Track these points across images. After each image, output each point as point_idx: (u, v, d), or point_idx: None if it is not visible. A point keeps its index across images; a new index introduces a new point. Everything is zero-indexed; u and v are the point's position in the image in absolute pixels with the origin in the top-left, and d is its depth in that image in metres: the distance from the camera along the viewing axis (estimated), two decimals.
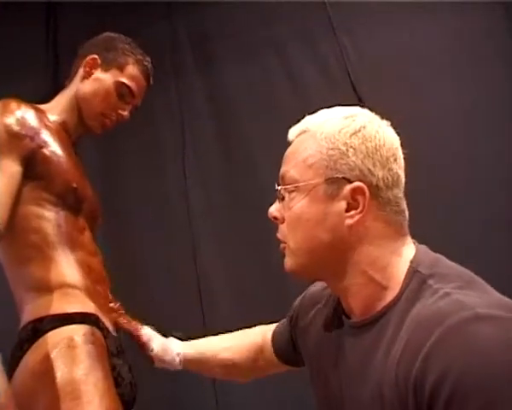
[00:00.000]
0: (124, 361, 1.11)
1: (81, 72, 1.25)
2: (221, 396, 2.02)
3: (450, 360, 0.62)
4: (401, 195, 0.80)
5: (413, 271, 0.75)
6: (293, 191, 0.81)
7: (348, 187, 0.77)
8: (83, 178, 1.21)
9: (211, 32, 2.40)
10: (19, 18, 2.59)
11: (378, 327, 0.76)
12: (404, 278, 0.75)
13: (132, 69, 1.25)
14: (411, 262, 0.76)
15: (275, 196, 0.88)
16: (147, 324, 1.24)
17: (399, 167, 0.80)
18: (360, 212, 0.76)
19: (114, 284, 1.30)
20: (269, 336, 1.14)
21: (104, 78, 1.24)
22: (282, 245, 0.85)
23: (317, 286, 1.02)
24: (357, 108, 0.84)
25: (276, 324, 1.15)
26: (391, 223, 0.78)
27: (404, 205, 0.80)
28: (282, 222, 0.84)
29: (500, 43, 2.10)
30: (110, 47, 1.25)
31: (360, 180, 0.76)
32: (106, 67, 1.24)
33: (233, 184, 2.21)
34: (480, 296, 0.68)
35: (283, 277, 2.00)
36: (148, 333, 1.20)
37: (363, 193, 0.76)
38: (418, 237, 0.84)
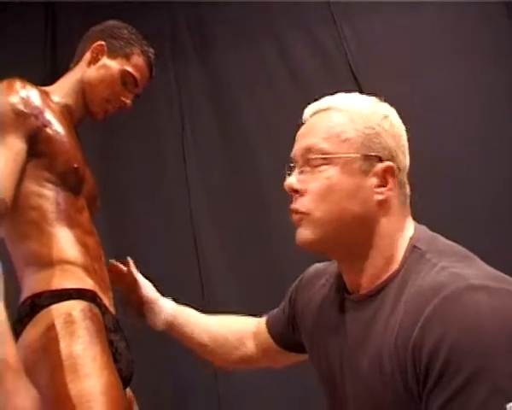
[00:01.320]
0: (121, 338, 1.12)
1: (87, 56, 1.27)
2: (222, 386, 2.03)
3: (445, 327, 0.65)
4: (406, 180, 0.87)
5: (412, 246, 0.80)
6: (322, 164, 0.83)
7: (380, 165, 0.82)
8: (83, 160, 1.22)
9: (209, 18, 2.41)
10: (17, 17, 2.59)
11: (378, 300, 0.80)
12: (404, 253, 0.80)
13: (138, 59, 1.28)
14: (411, 239, 0.82)
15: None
16: None
17: (407, 155, 0.88)
18: (389, 189, 0.82)
19: None
20: (261, 324, 1.16)
21: (110, 65, 1.26)
22: (298, 216, 0.85)
23: (314, 268, 1.06)
24: (375, 98, 0.89)
25: (268, 314, 1.17)
26: (403, 203, 0.85)
27: (408, 188, 0.87)
28: (303, 194, 0.85)
29: (501, 34, 2.12)
30: (117, 35, 1.28)
31: (389, 160, 0.83)
32: (112, 54, 1.26)
33: (232, 168, 2.22)
34: (474, 269, 0.72)
35: (283, 259, 2.02)
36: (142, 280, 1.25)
37: (393, 172, 0.82)
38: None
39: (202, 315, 1.24)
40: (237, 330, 1.19)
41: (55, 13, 2.56)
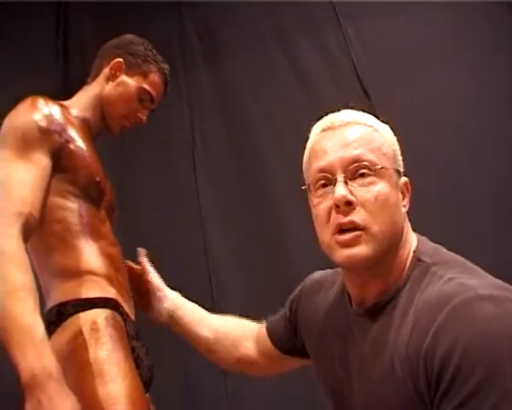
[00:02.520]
0: (141, 344, 1.17)
1: (106, 72, 1.31)
2: (231, 387, 2.06)
3: (456, 335, 0.69)
4: None
5: (416, 260, 0.83)
6: (370, 175, 0.82)
7: (402, 179, 0.88)
8: (104, 173, 1.26)
9: (218, 25, 2.44)
10: (29, 17, 2.62)
11: (387, 311, 0.82)
12: (409, 266, 0.83)
13: (154, 76, 1.33)
14: (414, 252, 0.84)
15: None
16: None
17: None
18: (408, 202, 0.87)
19: None
20: (262, 329, 1.19)
21: (128, 82, 1.31)
22: (356, 233, 0.80)
23: (314, 278, 1.09)
24: None
25: (267, 319, 1.20)
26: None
27: None
28: (357, 206, 0.81)
29: (506, 37, 2.13)
30: (134, 52, 1.32)
31: (405, 175, 0.88)
32: (130, 72, 1.31)
33: (241, 174, 2.26)
34: (479, 280, 0.75)
35: (292, 262, 2.04)
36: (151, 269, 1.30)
37: (408, 187, 0.88)
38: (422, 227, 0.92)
39: (205, 311, 1.27)
40: (239, 330, 1.22)
41: (67, 11, 2.60)
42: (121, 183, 2.19)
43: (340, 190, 0.81)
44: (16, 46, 2.58)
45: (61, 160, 1.14)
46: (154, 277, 1.30)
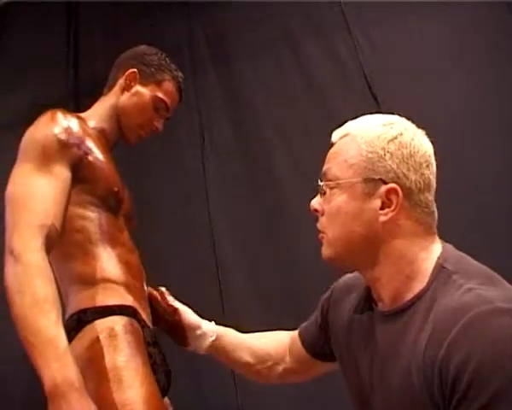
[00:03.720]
0: (159, 351, 1.19)
1: (121, 83, 1.34)
2: (242, 395, 2.07)
3: (472, 347, 0.70)
4: (431, 198, 0.89)
5: (440, 266, 0.84)
6: (334, 187, 0.90)
7: (383, 187, 0.86)
8: (121, 182, 1.29)
9: (227, 30, 2.46)
10: (40, 18, 2.65)
11: (407, 315, 0.84)
12: (432, 273, 0.84)
13: (168, 85, 1.35)
14: (438, 258, 0.85)
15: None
16: None
17: (431, 173, 0.89)
18: (393, 210, 0.86)
19: None
20: (295, 336, 1.21)
21: (143, 92, 1.33)
22: (320, 235, 0.94)
23: (344, 281, 1.10)
24: (395, 117, 0.92)
25: (301, 325, 1.22)
26: (421, 223, 0.87)
27: (434, 207, 0.89)
28: (322, 214, 0.93)
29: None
30: (148, 62, 1.35)
31: (395, 182, 0.85)
32: (144, 81, 1.34)
33: (251, 179, 2.27)
34: (499, 292, 0.76)
35: (303, 272, 2.05)
36: (181, 307, 1.28)
37: (397, 194, 0.85)
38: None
39: (242, 335, 1.29)
40: (278, 345, 1.25)
41: (78, 13, 2.63)
42: (132, 191, 2.25)
43: (313, 200, 0.95)
44: (26, 46, 2.61)
45: (81, 171, 1.17)
46: (187, 315, 1.28)
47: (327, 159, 0.95)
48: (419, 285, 0.84)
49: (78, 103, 2.44)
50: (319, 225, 0.94)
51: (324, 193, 0.93)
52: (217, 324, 1.29)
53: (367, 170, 0.87)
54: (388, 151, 0.86)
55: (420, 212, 0.87)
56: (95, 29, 2.65)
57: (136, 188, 2.22)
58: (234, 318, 2.07)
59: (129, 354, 1.05)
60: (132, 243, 1.29)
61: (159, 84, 1.34)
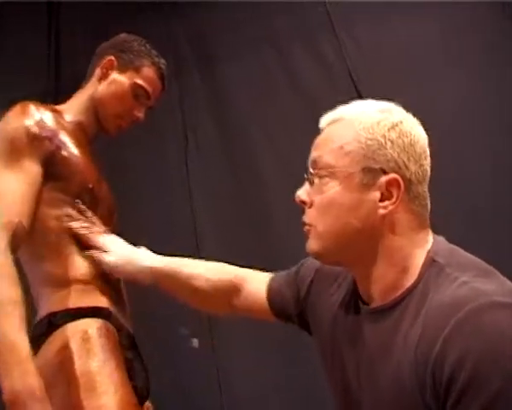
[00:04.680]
0: (136, 354, 1.14)
1: (98, 73, 1.27)
2: (226, 394, 2.04)
3: (468, 344, 0.66)
4: (426, 190, 0.84)
5: (431, 260, 0.79)
6: (326, 176, 0.83)
7: (384, 178, 0.79)
8: (99, 178, 1.23)
9: (211, 30, 2.43)
10: (21, 18, 2.60)
11: (397, 312, 0.79)
12: (422, 266, 0.79)
13: (148, 71, 1.27)
14: (429, 252, 0.80)
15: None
16: None
17: (428, 164, 0.84)
18: (393, 203, 0.80)
19: None
20: (251, 279, 1.14)
21: (121, 80, 1.26)
22: (306, 228, 0.87)
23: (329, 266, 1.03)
24: (391, 104, 0.86)
25: (270, 274, 1.14)
26: (417, 216, 0.82)
27: (428, 200, 0.84)
28: (310, 206, 0.86)
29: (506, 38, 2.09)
30: (126, 48, 1.28)
31: (395, 172, 0.79)
32: (122, 68, 1.26)
33: (235, 177, 2.23)
34: (495, 285, 0.72)
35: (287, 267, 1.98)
36: (107, 240, 1.17)
37: (398, 185, 0.79)
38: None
39: (186, 260, 1.21)
40: (229, 280, 1.16)
41: (59, 13, 2.60)
42: (114, 190, 2.21)
43: (299, 190, 0.87)
44: (7, 46, 2.57)
45: (53, 166, 1.11)
46: (115, 256, 1.17)
47: (315, 145, 0.87)
48: (409, 280, 0.80)
49: (58, 104, 2.39)
50: (306, 218, 0.87)
51: (313, 182, 0.85)
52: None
53: (366, 158, 0.80)
54: (389, 139, 0.80)
55: (417, 204, 0.82)
56: (77, 29, 2.61)
57: (118, 188, 2.23)
58: (220, 323, 2.06)
59: (102, 359, 1.01)
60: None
61: (137, 70, 1.26)
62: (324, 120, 0.88)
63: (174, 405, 2.04)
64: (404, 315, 0.78)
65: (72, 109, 1.26)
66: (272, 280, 1.13)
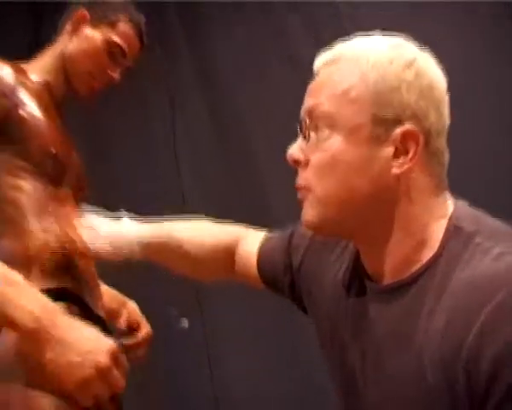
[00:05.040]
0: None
1: (68, 27, 1.15)
2: (218, 384, 2.01)
3: (510, 335, 0.53)
4: (445, 144, 0.70)
5: (454, 227, 0.65)
6: (325, 129, 0.68)
7: (399, 129, 0.65)
8: (66, 144, 1.10)
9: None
10: (1, 18, 2.52)
11: (413, 292, 0.65)
12: (444, 235, 0.65)
13: (124, 27, 1.15)
14: (451, 218, 0.66)
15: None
16: None
17: (447, 114, 0.70)
18: (410, 160, 0.65)
19: None
20: (245, 239, 1.02)
21: (93, 35, 1.14)
22: (301, 194, 0.72)
23: None
24: (401, 38, 0.72)
25: (263, 235, 1.01)
26: (436, 176, 0.69)
27: (446, 156, 0.70)
28: (306, 166, 0.70)
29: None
30: (100, 1, 1.15)
31: (412, 122, 0.65)
32: (95, 23, 1.14)
33: (224, 152, 2.17)
34: None
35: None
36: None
37: (416, 138, 0.65)
38: None
39: (175, 224, 1.07)
40: (224, 244, 1.05)
41: (41, 13, 2.49)
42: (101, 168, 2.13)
43: (292, 147, 0.72)
44: None
45: (9, 127, 0.99)
46: (103, 240, 1.05)
47: (310, 91, 0.71)
48: (428, 252, 0.65)
49: None
50: (301, 180, 0.71)
51: (308, 137, 0.70)
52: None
53: (376, 105, 0.65)
54: (404, 80, 0.65)
55: (436, 162, 0.68)
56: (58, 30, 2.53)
57: (104, 165, 2.17)
58: (211, 303, 2.02)
59: None
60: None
61: (113, 25, 1.14)
62: (321, 61, 0.72)
63: (163, 385, 2.01)
64: (422, 295, 0.64)
65: (39, 68, 1.14)
66: (264, 242, 0.99)
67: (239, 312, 2.05)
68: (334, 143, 0.67)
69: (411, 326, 0.64)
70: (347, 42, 0.71)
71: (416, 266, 0.66)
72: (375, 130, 0.66)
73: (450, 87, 0.70)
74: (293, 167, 0.73)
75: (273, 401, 1.98)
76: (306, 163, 0.70)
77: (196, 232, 1.06)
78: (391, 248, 0.68)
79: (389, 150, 0.66)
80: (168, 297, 1.99)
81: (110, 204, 1.10)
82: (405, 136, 0.65)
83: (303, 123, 0.71)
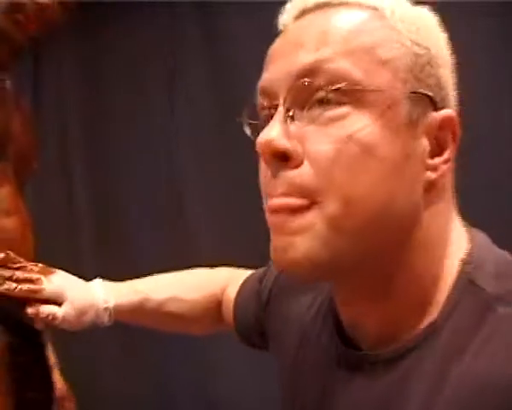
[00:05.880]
0: (38, 357, 0.83)
1: None
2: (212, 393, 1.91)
3: None
4: None
5: (467, 280, 0.44)
6: (338, 103, 0.43)
7: (435, 115, 0.45)
8: (5, 112, 0.92)
9: None
10: None
11: (407, 364, 0.44)
12: (452, 291, 0.44)
13: None
14: (463, 262, 0.45)
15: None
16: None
17: None
18: (446, 161, 0.45)
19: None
20: (232, 290, 0.83)
21: None
22: (282, 214, 0.45)
23: None
24: None
25: (243, 281, 0.80)
26: (453, 189, 0.49)
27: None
28: (300, 162, 0.44)
29: None
30: None
31: (447, 106, 0.46)
32: None
33: (224, 128, 1.96)
34: None
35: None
36: (55, 289, 0.74)
37: (455, 129, 0.45)
38: None
39: (152, 279, 0.86)
40: (210, 295, 0.86)
41: None
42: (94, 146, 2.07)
43: (270, 129, 0.44)
44: None
45: None
46: (67, 309, 0.76)
47: (294, 44, 0.46)
48: (432, 310, 0.45)
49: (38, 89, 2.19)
50: (290, 187, 0.44)
51: (291, 118, 0.45)
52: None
53: (414, 77, 0.44)
54: (439, 49, 0.47)
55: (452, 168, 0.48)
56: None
57: (98, 142, 2.05)
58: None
59: None
60: (18, 201, 0.91)
61: None
62: (306, 2, 0.48)
63: (158, 394, 1.92)
64: (418, 373, 0.43)
65: None
66: (242, 286, 0.80)
67: None
68: (363, 127, 0.42)
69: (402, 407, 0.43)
70: None
71: (412, 332, 0.45)
72: (413, 110, 0.44)
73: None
74: (270, 165, 0.45)
75: (273, 401, 1.89)
76: (300, 160, 0.44)
77: (180, 286, 0.86)
78: (390, 295, 0.47)
79: (425, 144, 0.45)
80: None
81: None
82: (444, 124, 0.45)
83: (277, 94, 0.46)
